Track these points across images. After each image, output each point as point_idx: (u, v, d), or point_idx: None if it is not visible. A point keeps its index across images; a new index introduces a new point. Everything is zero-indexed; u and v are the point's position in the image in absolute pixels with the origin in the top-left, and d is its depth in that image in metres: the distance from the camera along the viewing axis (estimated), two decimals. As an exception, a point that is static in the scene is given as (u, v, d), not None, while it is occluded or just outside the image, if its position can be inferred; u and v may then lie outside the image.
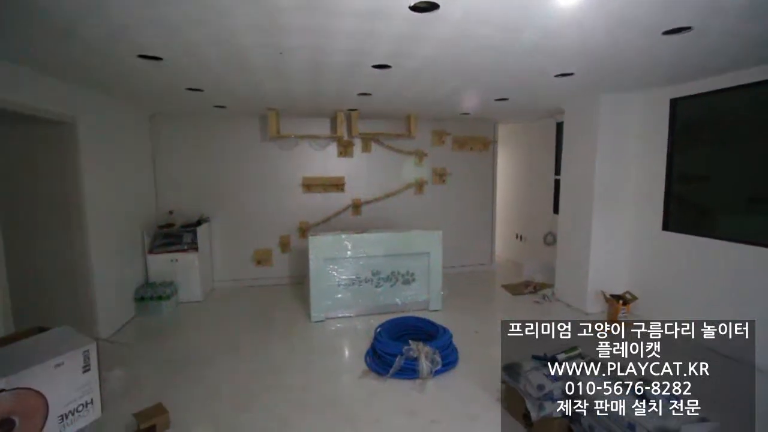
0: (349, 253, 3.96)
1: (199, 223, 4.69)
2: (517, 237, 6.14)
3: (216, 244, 4.97)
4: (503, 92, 3.69)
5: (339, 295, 3.97)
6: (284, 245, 5.08)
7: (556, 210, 4.99)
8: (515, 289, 4.86)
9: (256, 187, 5.00)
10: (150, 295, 4.11)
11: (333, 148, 5.15)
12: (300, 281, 5.13)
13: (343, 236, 3.96)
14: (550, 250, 5.12)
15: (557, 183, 4.82)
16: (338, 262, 3.97)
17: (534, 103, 4.31)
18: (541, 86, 3.45)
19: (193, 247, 4.46)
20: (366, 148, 5.23)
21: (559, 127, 4.95)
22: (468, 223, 5.70)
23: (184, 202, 4.86)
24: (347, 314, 4.03)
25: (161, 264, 4.39)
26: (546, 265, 5.07)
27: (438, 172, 5.48)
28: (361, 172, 5.26)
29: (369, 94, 3.72)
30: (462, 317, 4.00)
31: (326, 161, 5.15)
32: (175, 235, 4.54)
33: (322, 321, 3.92)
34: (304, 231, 5.12)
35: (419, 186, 5.43)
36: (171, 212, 4.76)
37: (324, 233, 4.09)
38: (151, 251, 4.37)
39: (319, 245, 3.90)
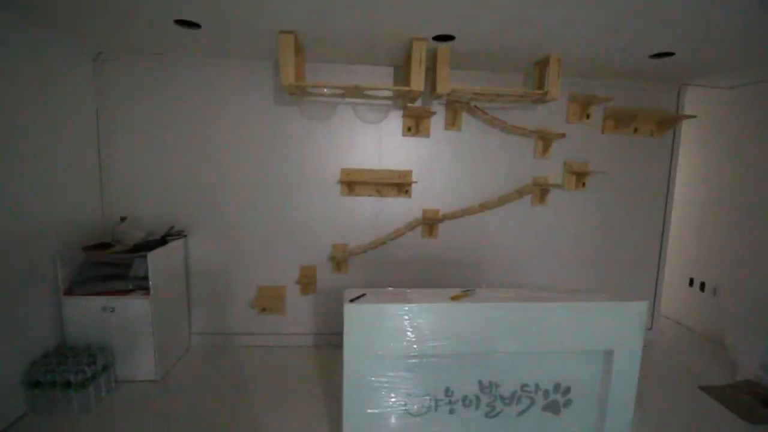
0: (431, 345, 1.79)
1: (163, 241, 2.73)
2: (693, 285, 3.64)
3: (195, 274, 3.01)
4: None
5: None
6: (307, 283, 3.01)
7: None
8: (737, 404, 2.45)
9: (262, 183, 2.96)
10: (52, 378, 2.21)
11: (395, 120, 2.98)
12: (332, 343, 3.05)
13: (420, 307, 1.79)
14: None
15: None
16: (406, 365, 1.82)
17: None
18: None
19: (143, 286, 2.51)
20: (453, 122, 2.99)
21: None
22: (617, 259, 3.31)
23: (147, 204, 2.92)
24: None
25: (87, 315, 2.48)
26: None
27: (574, 169, 3.13)
28: (440, 163, 3.05)
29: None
30: None
31: (383, 143, 2.99)
32: (115, 264, 2.60)
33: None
34: (339, 262, 3.02)
35: (540, 192, 3.12)
36: (123, 218, 2.85)
37: (376, 296, 1.93)
38: (69, 292, 2.47)
39: (364, 326, 1.77)
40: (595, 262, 3.29)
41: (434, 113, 2.84)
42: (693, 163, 3.69)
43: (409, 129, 2.98)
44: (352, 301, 1.78)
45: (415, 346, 1.78)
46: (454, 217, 2.93)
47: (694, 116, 3.00)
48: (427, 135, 3.00)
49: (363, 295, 1.85)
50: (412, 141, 3.01)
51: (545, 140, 3.08)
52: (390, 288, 2.07)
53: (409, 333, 1.77)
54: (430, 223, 2.96)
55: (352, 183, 2.94)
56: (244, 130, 2.88)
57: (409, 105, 2.87)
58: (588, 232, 3.26)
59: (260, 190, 2.95)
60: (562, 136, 2.93)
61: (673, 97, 3.23)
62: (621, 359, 1.85)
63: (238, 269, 3.01)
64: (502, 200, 3.04)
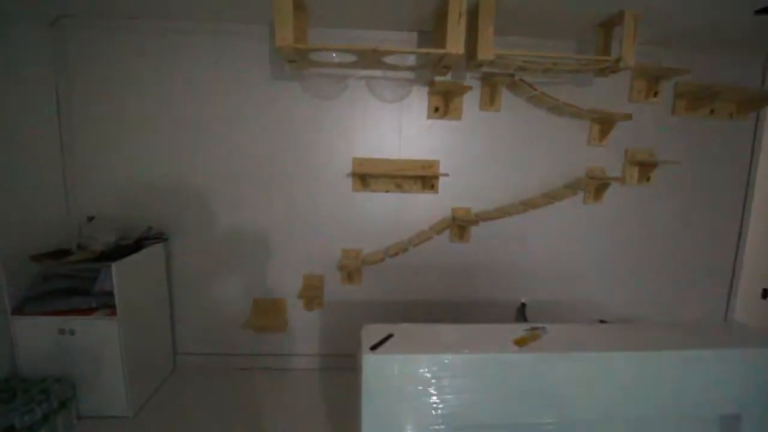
0: (484, 412, 1.27)
1: (138, 245, 2.25)
2: None
3: (179, 284, 2.53)
4: None
5: None
6: (311, 296, 2.50)
7: None
8: None
9: (257, 175, 2.44)
10: (-10, 421, 1.75)
11: (420, 99, 2.43)
12: (342, 365, 2.57)
13: (472, 359, 1.27)
14: None
15: None
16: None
17: None
18: None
19: (110, 304, 2.02)
20: (490, 100, 2.43)
21: None
22: (683, 268, 2.75)
23: (121, 201, 2.43)
24: None
25: (41, 339, 2.01)
26: None
27: (637, 159, 2.56)
28: (473, 151, 2.50)
29: None
30: None
31: (404, 127, 2.45)
32: (75, 276, 2.12)
33: None
34: (351, 272, 2.50)
35: (595, 188, 2.56)
36: (90, 218, 2.37)
37: (405, 337, 1.41)
38: (19, 311, 2.00)
39: (390, 387, 1.25)
40: (657, 271, 2.73)
41: (470, 89, 2.27)
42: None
43: (437, 110, 2.43)
44: (373, 348, 1.26)
45: (461, 414, 1.26)
46: (490, 218, 2.39)
47: (787, 94, 2.41)
48: (458, 117, 2.45)
49: (389, 336, 1.33)
50: (439, 125, 2.46)
51: (603, 123, 2.51)
52: (420, 325, 1.54)
53: (449, 397, 1.25)
54: (461, 224, 2.42)
55: (367, 176, 2.41)
56: (235, 110, 2.36)
57: (437, 79, 2.32)
58: (651, 236, 2.69)
59: (255, 184, 2.43)
60: (628, 117, 2.35)
61: (756, 72, 2.62)
62: (751, 428, 1.31)
63: (230, 279, 2.52)
64: (549, 197, 2.49)
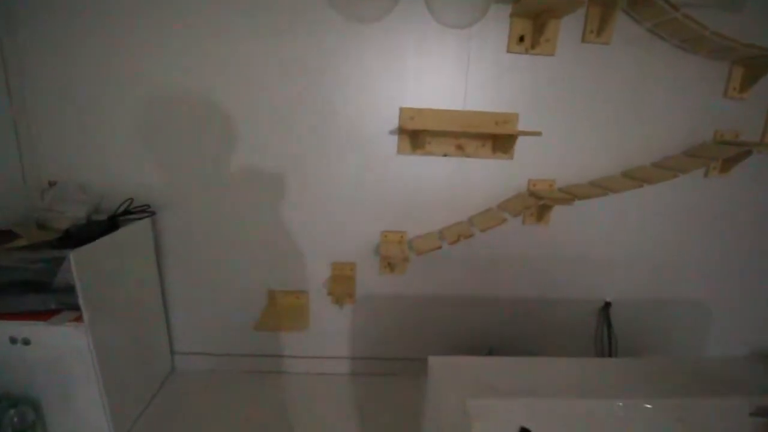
0: None
1: (112, 224, 1.67)
2: None
3: (173, 268, 1.98)
4: None
5: None
6: (341, 289, 1.94)
7: None
8: None
9: (272, 130, 1.79)
10: None
11: (498, 23, 1.70)
12: (377, 372, 2.07)
13: None
14: None
15: None
16: None
17: None
18: None
19: (72, 304, 1.48)
20: (598, 28, 1.71)
21: None
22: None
23: (93, 164, 1.82)
24: None
25: (-15, 349, 1.51)
26: None
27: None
28: (569, 102, 1.81)
29: None
30: None
31: (473, 65, 1.75)
32: (27, 267, 1.56)
33: None
34: (391, 262, 1.92)
35: (727, 158, 1.88)
36: (52, 184, 1.79)
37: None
38: (-51, 313, 1.47)
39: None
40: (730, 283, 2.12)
41: (581, 3, 1.54)
42: None
43: (522, 39, 1.72)
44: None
45: None
46: (587, 197, 1.74)
47: None
48: (551, 52, 1.74)
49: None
50: (523, 62, 1.76)
51: (752, 67, 1.78)
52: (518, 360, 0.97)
53: None
54: (546, 203, 1.79)
55: (419, 133, 1.75)
56: (242, 38, 1.67)
57: (529, -7, 1.60)
58: (740, 238, 2.05)
59: (269, 142, 1.79)
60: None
61: None
62: None
63: (238, 264, 1.96)
64: (666, 169, 1.83)
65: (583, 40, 1.74)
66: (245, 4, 1.63)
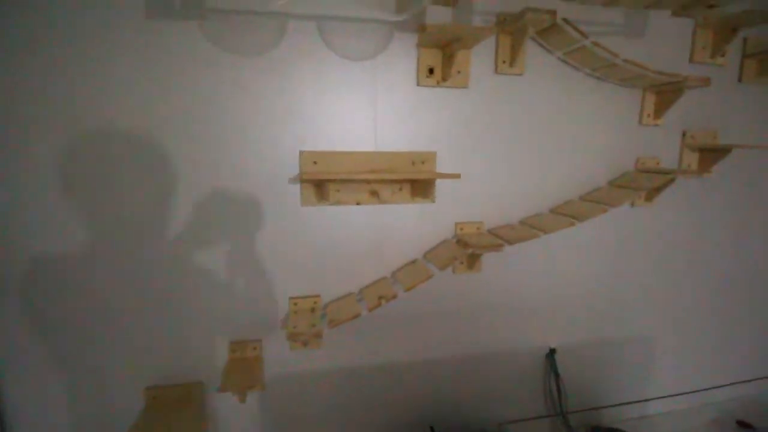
0: None
1: None
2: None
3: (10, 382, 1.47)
4: None
5: None
6: (243, 378, 1.54)
7: None
8: None
9: (138, 178, 1.42)
10: None
11: (403, 55, 1.52)
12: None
13: None
14: None
15: None
16: None
17: None
18: None
19: None
20: (510, 58, 1.58)
21: None
22: (749, 284, 2.14)
23: None
24: None
25: None
26: None
27: (698, 143, 1.86)
28: (488, 136, 1.65)
29: None
30: None
31: (380, 99, 1.53)
32: None
33: None
34: (304, 336, 1.57)
35: (649, 189, 1.82)
36: None
37: None
38: None
39: None
40: (716, 283, 2.09)
41: (489, 32, 1.39)
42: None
43: (431, 72, 1.54)
44: None
45: None
46: (521, 239, 1.56)
47: None
48: (464, 84, 1.58)
49: None
50: (436, 95, 1.58)
51: (661, 93, 1.75)
52: None
53: None
54: (475, 251, 1.57)
55: (324, 182, 1.48)
56: (93, 70, 1.31)
57: (430, 23, 1.44)
58: (711, 247, 2.03)
59: (133, 193, 1.41)
60: (704, 82, 1.60)
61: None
62: None
63: (102, 357, 1.50)
64: (596, 202, 1.71)
65: (497, 71, 1.60)
66: (101, 50, 1.28)
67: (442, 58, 1.52)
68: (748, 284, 2.13)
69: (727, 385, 2.22)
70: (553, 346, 1.91)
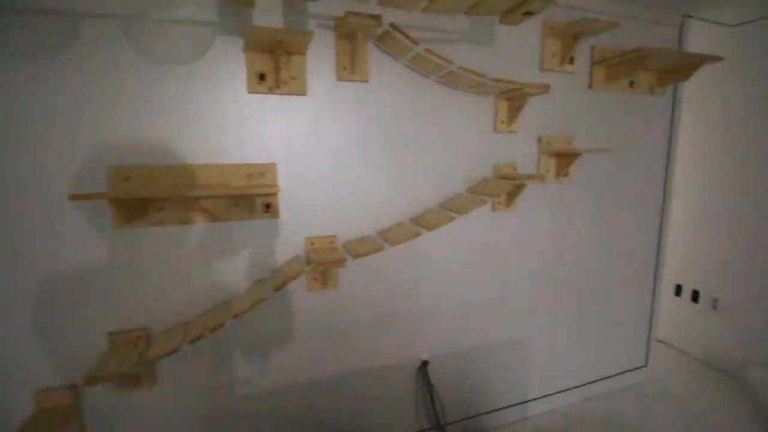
0: None
1: None
2: (681, 293, 2.77)
3: None
4: None
5: None
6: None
7: None
8: None
9: None
10: None
11: (231, 55, 1.40)
12: None
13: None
14: None
15: None
16: None
17: None
18: None
19: None
20: (350, 64, 1.51)
21: None
22: (608, 271, 2.24)
23: None
24: None
25: None
26: None
27: (554, 148, 1.91)
28: (332, 146, 1.57)
29: None
30: None
31: (204, 107, 1.40)
32: None
33: None
34: (128, 376, 1.38)
35: (508, 192, 1.83)
36: None
37: None
38: None
39: None
40: (580, 280, 2.16)
41: (309, 36, 1.30)
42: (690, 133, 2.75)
43: (262, 78, 1.43)
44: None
45: None
46: (366, 253, 1.49)
47: (720, 58, 1.94)
48: (302, 91, 1.49)
49: None
50: (272, 103, 1.47)
51: (513, 100, 1.78)
52: None
53: None
54: (320, 266, 1.48)
55: (142, 201, 1.32)
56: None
57: (258, 24, 1.33)
58: (572, 243, 2.10)
59: None
60: (544, 88, 1.63)
61: (674, 31, 2.15)
62: None
63: None
64: (449, 209, 1.69)
65: (338, 77, 1.52)
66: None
67: (273, 63, 1.42)
68: (612, 281, 2.24)
69: (600, 379, 2.32)
70: (425, 358, 1.86)
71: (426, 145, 1.70)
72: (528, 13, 1.40)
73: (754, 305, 2.36)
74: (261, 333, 1.57)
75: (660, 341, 2.91)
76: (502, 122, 1.81)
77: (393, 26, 1.38)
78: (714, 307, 2.56)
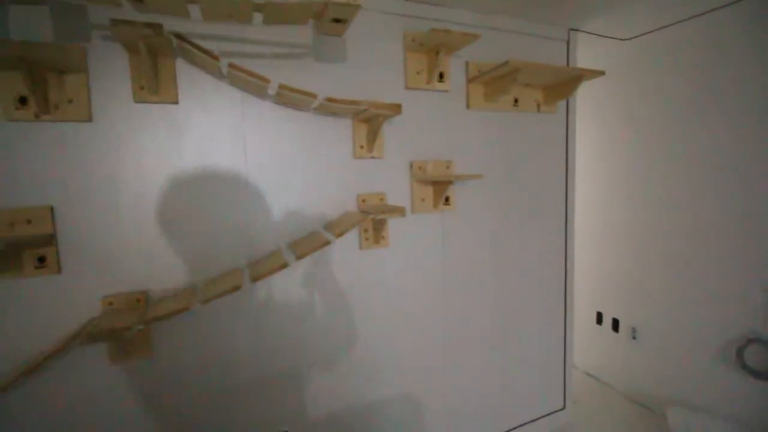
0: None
1: None
2: (603, 322, 2.59)
3: None
4: None
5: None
6: None
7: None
8: None
9: None
10: None
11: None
12: None
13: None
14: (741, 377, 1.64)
15: None
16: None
17: None
18: None
19: None
20: (149, 82, 1.26)
21: None
22: (513, 304, 2.01)
23: None
24: None
25: None
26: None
27: (426, 176, 1.70)
28: (137, 182, 1.29)
29: None
30: None
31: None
32: None
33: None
34: None
35: (373, 225, 1.60)
36: None
37: None
38: None
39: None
40: (475, 320, 1.92)
41: (57, 50, 1.03)
42: (586, 151, 2.63)
43: (23, 102, 1.15)
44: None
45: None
46: (166, 314, 1.19)
47: (602, 73, 1.81)
48: (85, 117, 1.21)
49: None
50: (38, 134, 1.18)
51: (370, 122, 1.56)
52: None
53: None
54: (109, 331, 1.16)
55: None
56: None
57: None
58: (460, 280, 1.87)
59: None
60: (395, 109, 1.42)
61: (562, 46, 2.03)
62: None
63: None
64: (298, 249, 1.42)
65: (136, 98, 1.26)
66: None
67: (31, 83, 1.14)
68: (516, 316, 2.01)
69: (512, 429, 2.06)
70: (285, 430, 1.55)
71: (262, 175, 1.45)
72: (338, 21, 1.20)
73: (669, 334, 2.18)
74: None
75: (587, 374, 2.70)
76: (361, 147, 1.59)
77: (179, 37, 1.14)
78: (634, 337, 2.38)
